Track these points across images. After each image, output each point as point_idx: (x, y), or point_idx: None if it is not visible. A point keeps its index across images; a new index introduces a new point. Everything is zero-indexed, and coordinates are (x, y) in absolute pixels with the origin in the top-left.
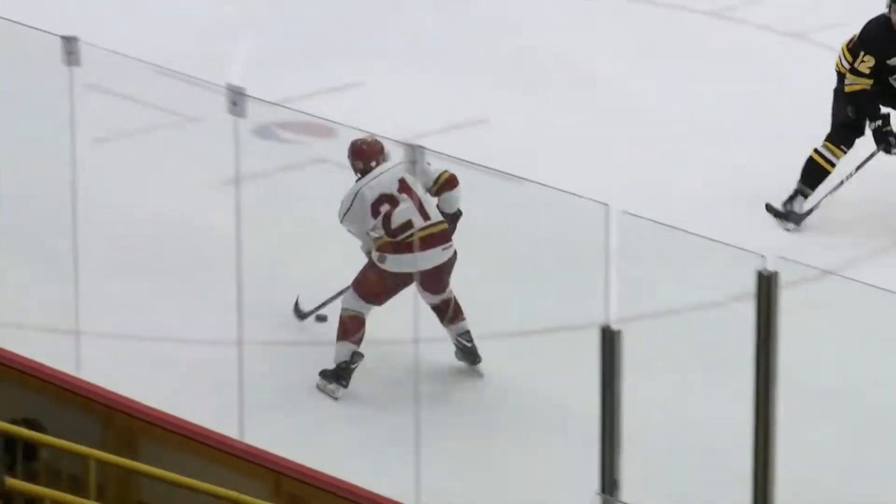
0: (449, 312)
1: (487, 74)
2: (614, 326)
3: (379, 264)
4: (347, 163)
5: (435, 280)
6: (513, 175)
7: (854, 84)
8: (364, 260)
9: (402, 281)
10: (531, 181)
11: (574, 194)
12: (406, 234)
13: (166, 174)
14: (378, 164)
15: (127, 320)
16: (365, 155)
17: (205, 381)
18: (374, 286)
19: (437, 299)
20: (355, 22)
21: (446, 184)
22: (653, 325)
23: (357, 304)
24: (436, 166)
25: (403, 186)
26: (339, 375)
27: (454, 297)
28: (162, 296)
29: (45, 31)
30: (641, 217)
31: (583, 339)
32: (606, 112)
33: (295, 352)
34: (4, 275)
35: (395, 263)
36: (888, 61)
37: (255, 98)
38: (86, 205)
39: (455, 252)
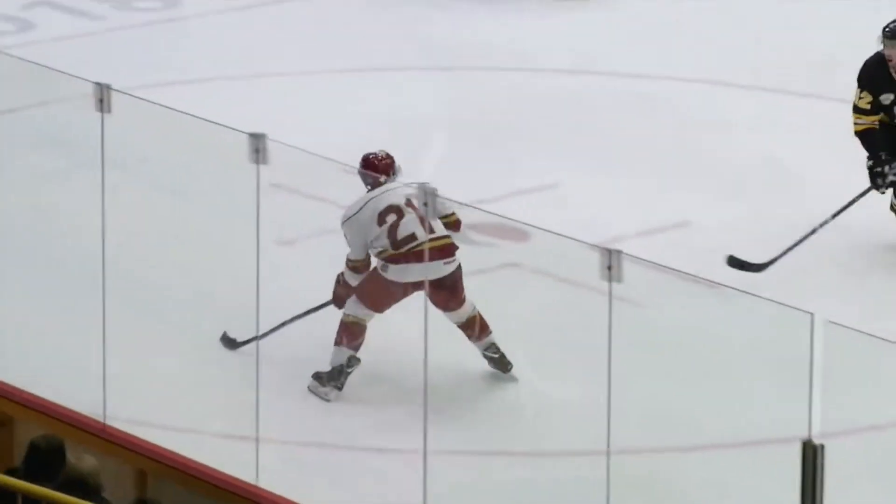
0: (476, 330)
1: (687, 176)
2: (816, 441)
3: (381, 273)
4: (543, 268)
5: (444, 295)
6: (712, 281)
7: (858, 123)
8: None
9: (403, 290)
10: (731, 287)
11: (776, 302)
12: (410, 246)
13: None
14: (388, 179)
15: (309, 426)
16: (376, 168)
17: (388, 492)
18: (377, 294)
19: (461, 318)
20: (551, 122)
21: (452, 225)
22: (856, 440)
23: (359, 311)
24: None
25: (409, 202)
26: (333, 378)
27: (479, 314)
28: (346, 402)
29: (232, 128)
30: (847, 327)
31: (783, 454)
32: (811, 216)
33: (487, 462)
34: (182, 378)
35: (397, 273)
36: (880, 97)
37: (446, 198)
38: (269, 306)
39: (459, 266)
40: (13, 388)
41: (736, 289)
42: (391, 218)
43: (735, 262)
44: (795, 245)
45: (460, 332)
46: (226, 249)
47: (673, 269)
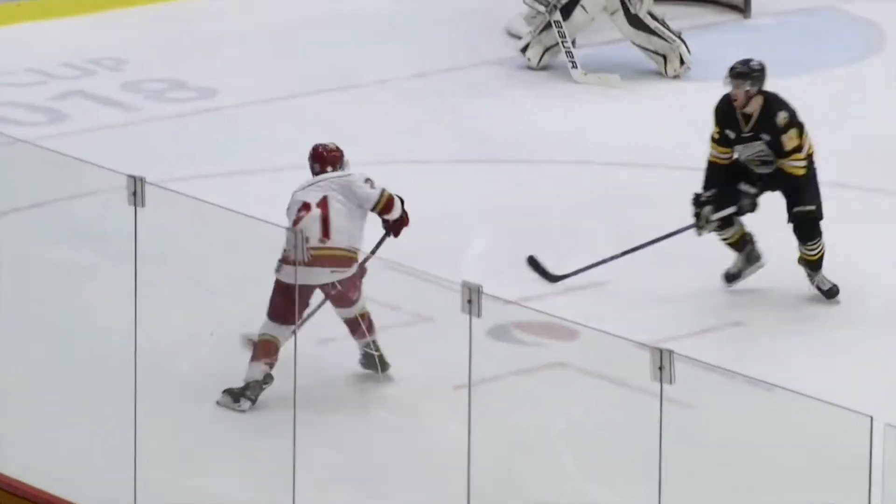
0: (361, 328)
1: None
2: None
3: (275, 273)
4: (591, 368)
5: (336, 297)
6: (767, 382)
7: (710, 153)
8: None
9: (301, 295)
10: (787, 389)
11: (833, 404)
12: None
13: (395, 376)
14: (334, 170)
15: None
16: (323, 160)
17: None
18: (277, 302)
19: (349, 314)
20: (601, 216)
21: (385, 207)
22: None
23: (268, 328)
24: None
25: (323, 203)
26: (249, 391)
27: (368, 314)
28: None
29: (269, 223)
30: None
31: None
32: (873, 319)
33: None
34: (215, 479)
35: (286, 274)
36: (726, 132)
37: (491, 296)
38: (310, 408)
39: (355, 275)
40: (39, 490)
41: (793, 391)
42: (301, 213)
43: (534, 264)
44: (594, 265)
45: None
46: None
47: (726, 370)
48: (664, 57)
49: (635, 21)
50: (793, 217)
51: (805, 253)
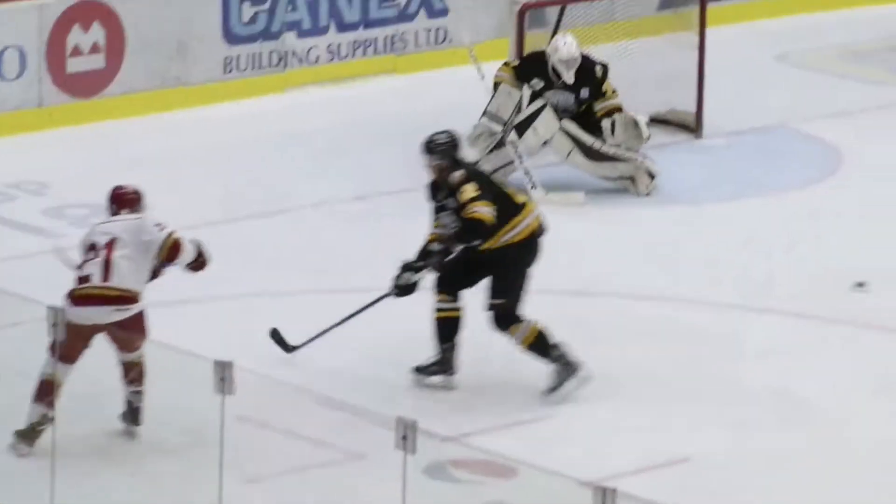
0: (132, 374)
1: (692, 408)
2: None
3: (65, 313)
4: None
5: (122, 339)
6: None
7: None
8: None
9: (83, 335)
10: None
11: None
12: (82, 286)
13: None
14: (131, 212)
15: None
16: (120, 202)
17: None
18: (65, 340)
19: (127, 358)
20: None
21: (170, 252)
22: None
23: (48, 366)
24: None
25: (110, 244)
26: (26, 436)
27: (143, 363)
28: None
29: (196, 355)
30: None
31: None
32: (825, 454)
33: None
34: None
35: (72, 313)
36: (434, 202)
37: (427, 432)
38: None
39: (139, 315)
40: None
41: None
42: (91, 254)
43: (275, 337)
44: (324, 332)
45: None
46: (186, 486)
47: None
48: (631, 179)
49: (592, 154)
50: (488, 308)
51: (514, 344)
